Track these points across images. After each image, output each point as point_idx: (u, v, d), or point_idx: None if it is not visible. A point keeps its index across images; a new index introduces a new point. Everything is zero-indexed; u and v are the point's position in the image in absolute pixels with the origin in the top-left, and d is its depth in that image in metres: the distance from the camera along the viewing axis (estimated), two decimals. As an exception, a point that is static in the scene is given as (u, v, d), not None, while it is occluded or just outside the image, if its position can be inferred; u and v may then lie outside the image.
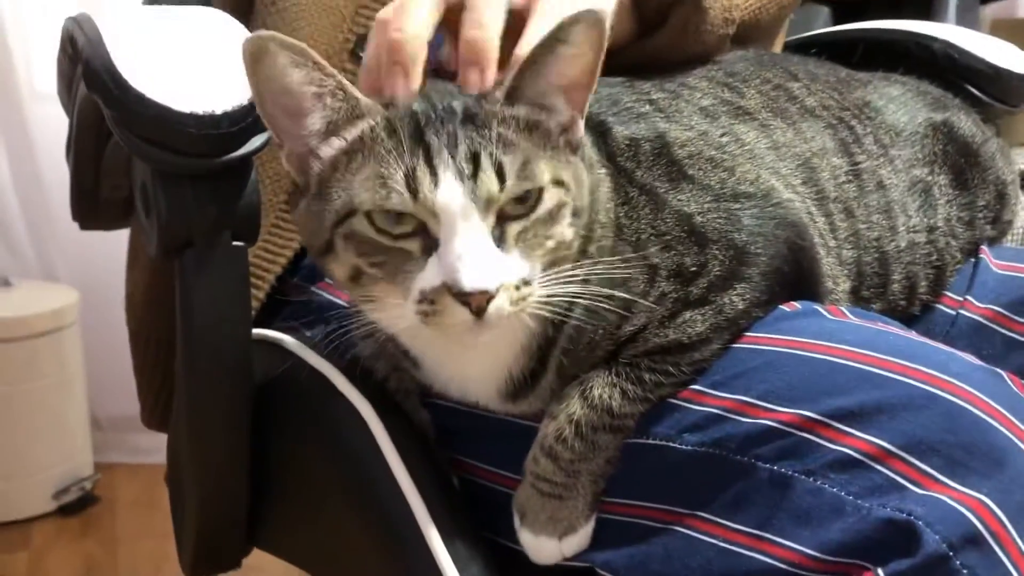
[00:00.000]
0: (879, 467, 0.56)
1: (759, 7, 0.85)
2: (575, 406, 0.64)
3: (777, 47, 1.01)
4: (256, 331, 0.78)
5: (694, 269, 0.63)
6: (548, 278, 0.59)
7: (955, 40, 1.01)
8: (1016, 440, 0.55)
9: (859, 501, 0.55)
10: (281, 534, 0.82)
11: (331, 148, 0.60)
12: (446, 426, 0.73)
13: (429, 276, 0.57)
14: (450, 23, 0.63)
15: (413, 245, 0.58)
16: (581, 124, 0.61)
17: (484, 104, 0.59)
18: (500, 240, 0.58)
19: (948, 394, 0.56)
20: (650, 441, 0.63)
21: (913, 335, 0.65)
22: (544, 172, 0.58)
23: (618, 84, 0.73)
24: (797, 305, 0.67)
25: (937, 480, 0.54)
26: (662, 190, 0.65)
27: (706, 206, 0.65)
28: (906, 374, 0.58)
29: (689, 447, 0.62)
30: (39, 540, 1.88)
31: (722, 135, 0.70)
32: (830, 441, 0.57)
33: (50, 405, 1.94)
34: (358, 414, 0.70)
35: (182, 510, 0.83)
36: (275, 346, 0.78)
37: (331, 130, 0.59)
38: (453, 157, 0.56)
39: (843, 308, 0.67)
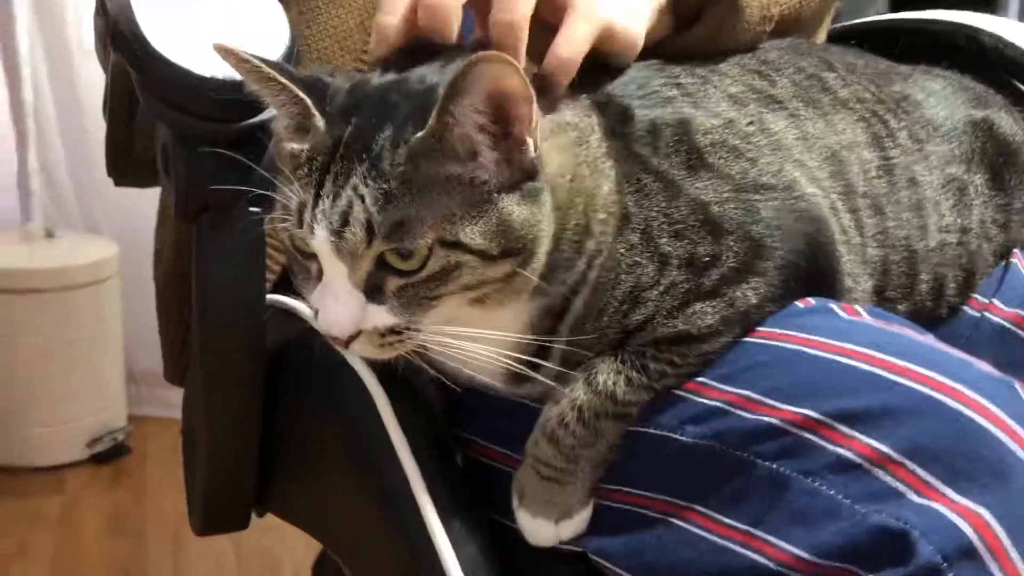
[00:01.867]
0: (878, 472, 0.55)
1: (800, 1, 0.83)
2: (579, 391, 0.63)
3: (820, 36, 0.99)
4: (271, 297, 0.78)
5: (707, 259, 0.62)
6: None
7: (1005, 34, 0.98)
8: (1022, 454, 0.54)
9: (855, 505, 0.54)
10: (288, 498, 0.83)
11: (289, 146, 0.60)
12: (453, 403, 0.73)
13: (315, 298, 0.60)
14: (479, 4, 0.63)
15: (313, 267, 0.60)
16: (529, 146, 0.57)
17: (397, 151, 0.56)
18: (376, 288, 0.58)
19: (955, 402, 0.55)
20: (652, 431, 0.63)
21: (928, 339, 0.63)
22: (426, 235, 0.56)
23: (647, 67, 0.72)
24: (812, 302, 0.65)
25: (937, 489, 0.53)
26: (679, 178, 0.64)
27: (724, 196, 0.64)
28: (914, 379, 0.57)
29: (690, 439, 0.61)
30: (72, 486, 1.93)
31: (748, 124, 0.69)
32: (831, 442, 0.56)
33: (87, 357, 1.98)
34: (363, 386, 0.70)
35: (193, 467, 0.84)
36: (290, 313, 0.78)
37: (290, 131, 0.61)
38: (332, 207, 0.56)
39: (859, 307, 0.66)
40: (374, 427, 0.69)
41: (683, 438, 0.61)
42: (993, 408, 0.55)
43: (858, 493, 0.55)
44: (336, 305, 0.58)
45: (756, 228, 0.63)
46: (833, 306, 0.65)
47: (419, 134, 0.56)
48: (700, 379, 0.62)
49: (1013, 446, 0.54)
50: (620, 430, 0.64)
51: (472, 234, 0.56)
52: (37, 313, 1.92)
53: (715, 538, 0.59)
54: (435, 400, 0.74)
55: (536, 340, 0.63)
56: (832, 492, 0.55)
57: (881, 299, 0.73)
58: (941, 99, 0.83)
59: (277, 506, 0.85)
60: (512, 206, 0.57)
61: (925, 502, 0.53)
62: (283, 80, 0.58)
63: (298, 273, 0.62)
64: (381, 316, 0.58)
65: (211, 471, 0.80)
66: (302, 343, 0.76)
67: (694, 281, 0.62)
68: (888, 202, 0.74)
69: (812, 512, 0.56)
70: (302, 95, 0.58)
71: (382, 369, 0.72)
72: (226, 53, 0.59)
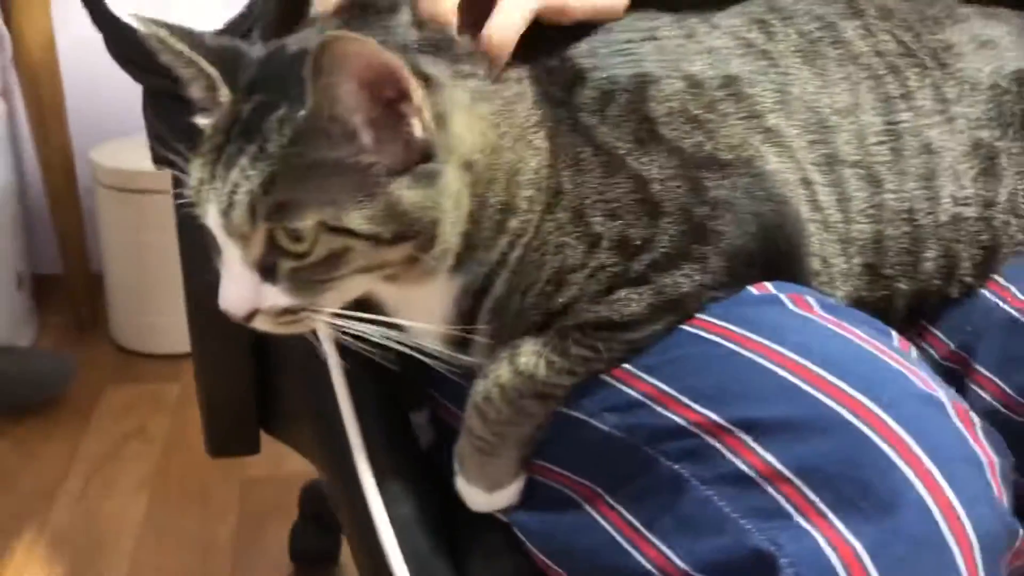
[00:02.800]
0: (769, 489, 0.52)
1: None
2: (502, 369, 0.62)
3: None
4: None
5: (638, 243, 0.59)
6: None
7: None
8: (918, 488, 0.49)
9: (741, 521, 0.52)
10: (283, 428, 0.87)
11: (198, 120, 0.60)
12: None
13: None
14: None
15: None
16: (415, 127, 0.55)
17: (283, 132, 0.55)
18: (270, 270, 0.57)
19: (862, 423, 0.51)
20: (575, 414, 0.61)
21: (874, 343, 0.57)
22: (308, 218, 0.54)
23: (632, 17, 0.67)
24: (769, 287, 0.61)
25: (823, 514, 0.50)
26: (623, 151, 0.60)
27: (669, 173, 0.60)
28: (828, 392, 0.52)
29: (608, 428, 0.59)
30: (189, 375, 2.07)
31: (719, 87, 0.63)
32: (731, 451, 0.53)
33: (206, 253, 2.09)
34: (319, 347, 0.71)
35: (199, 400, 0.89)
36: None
37: (202, 104, 0.60)
38: (222, 186, 0.55)
39: (811, 299, 0.61)
40: (327, 388, 0.71)
41: (602, 426, 0.60)
42: (902, 433, 0.50)
43: (745, 508, 0.52)
44: (231, 284, 0.58)
45: (699, 209, 0.59)
46: (783, 297, 0.60)
47: (299, 115, 0.55)
48: (627, 366, 0.60)
49: (911, 477, 0.50)
50: (545, 410, 0.62)
51: (358, 219, 0.55)
52: (163, 211, 2.03)
53: (613, 532, 0.58)
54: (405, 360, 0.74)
55: (426, 328, 0.62)
56: (722, 504, 0.53)
57: (876, 276, 0.67)
58: (993, 50, 0.74)
59: (277, 434, 0.90)
60: (402, 190, 0.55)
61: (807, 527, 0.50)
62: (189, 53, 0.58)
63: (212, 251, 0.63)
64: (276, 297, 0.58)
65: (208, 408, 0.85)
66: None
67: (623, 265, 0.59)
68: (889, 171, 0.67)
69: (700, 522, 0.54)
70: (209, 69, 0.58)
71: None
72: (139, 22, 0.58)
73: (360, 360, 0.71)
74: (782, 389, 0.54)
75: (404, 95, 0.54)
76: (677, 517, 0.55)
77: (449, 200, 0.57)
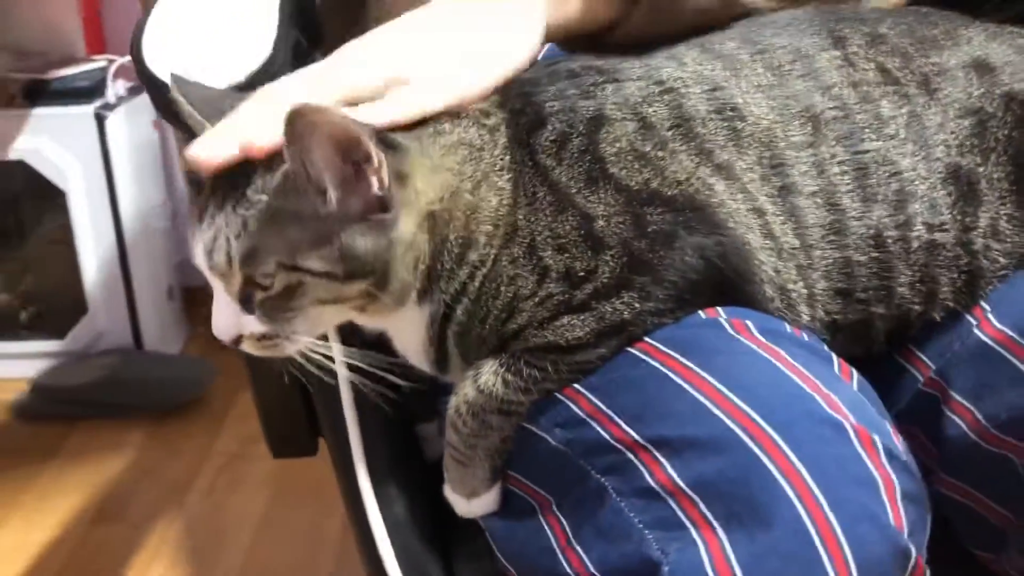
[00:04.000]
0: (671, 503, 0.56)
1: None
2: (467, 388, 0.68)
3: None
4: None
5: (582, 274, 0.64)
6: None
7: None
8: (796, 505, 0.52)
9: (645, 532, 0.56)
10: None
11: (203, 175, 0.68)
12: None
13: None
14: None
15: None
16: (372, 183, 0.61)
17: (254, 188, 0.62)
18: (248, 301, 0.65)
19: (752, 441, 0.54)
20: (533, 428, 0.67)
21: (795, 368, 0.60)
22: (268, 261, 0.62)
23: (602, 57, 0.71)
24: (718, 312, 0.64)
25: (712, 528, 0.54)
26: (573, 190, 0.65)
27: (613, 210, 0.64)
28: (730, 413, 0.56)
29: (555, 442, 0.65)
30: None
31: (671, 128, 0.67)
32: (645, 467, 0.58)
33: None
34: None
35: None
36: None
37: None
38: (208, 230, 0.63)
39: (750, 323, 0.63)
40: (336, 401, 0.79)
41: (552, 441, 0.65)
42: (789, 453, 0.53)
43: (651, 520, 0.56)
44: (219, 314, 0.66)
45: (638, 243, 0.63)
46: (724, 321, 0.64)
47: (276, 174, 0.62)
48: (576, 386, 0.65)
49: (790, 495, 0.52)
50: (509, 424, 0.68)
51: (312, 260, 0.62)
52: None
53: (552, 539, 0.63)
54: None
55: (405, 352, 0.69)
56: (632, 515, 0.57)
57: (850, 300, 0.69)
58: (988, 73, 0.73)
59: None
60: (356, 236, 0.62)
61: (697, 539, 0.54)
62: (187, 107, 0.67)
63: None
64: (254, 324, 0.66)
65: (263, 413, 0.95)
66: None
67: (568, 294, 0.64)
68: (853, 200, 0.68)
69: (614, 531, 0.58)
70: (206, 123, 0.66)
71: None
72: (175, 88, 0.68)
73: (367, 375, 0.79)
74: (695, 410, 0.57)
75: (368, 157, 0.61)
76: (596, 526, 0.59)
77: (401, 246, 0.63)
